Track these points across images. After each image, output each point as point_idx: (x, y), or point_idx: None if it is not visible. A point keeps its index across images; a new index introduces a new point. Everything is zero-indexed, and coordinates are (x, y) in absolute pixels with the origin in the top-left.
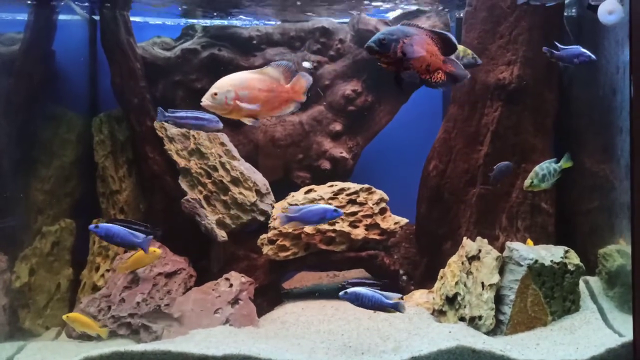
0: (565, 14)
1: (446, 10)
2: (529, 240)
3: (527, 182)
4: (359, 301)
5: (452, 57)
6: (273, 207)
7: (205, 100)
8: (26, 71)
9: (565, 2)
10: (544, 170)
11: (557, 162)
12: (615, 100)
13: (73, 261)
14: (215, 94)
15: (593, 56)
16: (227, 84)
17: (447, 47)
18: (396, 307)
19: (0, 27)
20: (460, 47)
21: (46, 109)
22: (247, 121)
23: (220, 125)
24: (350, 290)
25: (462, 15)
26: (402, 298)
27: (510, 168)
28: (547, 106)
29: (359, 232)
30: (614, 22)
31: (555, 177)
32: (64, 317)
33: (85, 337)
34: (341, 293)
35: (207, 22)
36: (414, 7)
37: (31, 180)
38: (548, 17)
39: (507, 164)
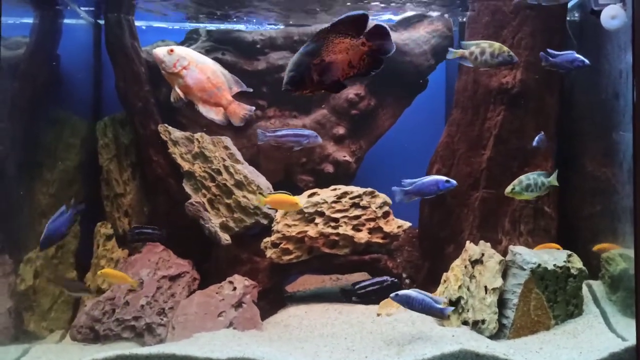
0: (567, 18)
1: (449, 14)
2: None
3: (509, 187)
4: (409, 304)
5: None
6: (276, 211)
7: (158, 51)
8: (31, 75)
9: (568, 6)
10: (530, 180)
11: (547, 176)
12: (618, 104)
13: (77, 264)
14: (172, 51)
15: (586, 61)
16: (188, 54)
17: (357, 27)
18: (442, 312)
19: (5, 31)
20: (496, 44)
21: (50, 113)
22: (216, 117)
23: (319, 140)
24: (402, 292)
25: (465, 19)
26: (447, 303)
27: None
28: (550, 110)
29: (362, 236)
30: (617, 27)
31: (542, 192)
32: (99, 273)
33: (89, 340)
34: (392, 295)
35: (212, 26)
36: (417, 12)
37: (35, 183)
38: (550, 21)
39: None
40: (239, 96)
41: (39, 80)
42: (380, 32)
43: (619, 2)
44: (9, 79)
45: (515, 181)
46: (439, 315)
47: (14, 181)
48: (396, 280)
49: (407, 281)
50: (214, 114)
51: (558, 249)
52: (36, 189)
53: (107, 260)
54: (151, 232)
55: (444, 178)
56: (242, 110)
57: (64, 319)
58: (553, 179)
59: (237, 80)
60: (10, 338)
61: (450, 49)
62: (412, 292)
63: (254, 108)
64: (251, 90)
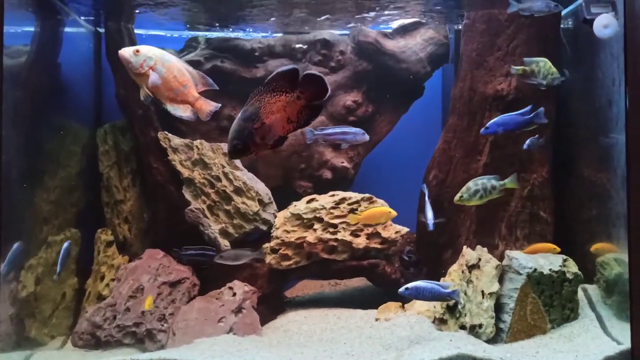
0: (561, 26)
1: (445, 22)
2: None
3: (457, 195)
4: (419, 294)
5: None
6: (275, 217)
7: (125, 52)
8: (32, 83)
9: (562, 14)
10: (478, 186)
11: (499, 179)
12: (611, 111)
13: (78, 270)
14: (138, 51)
15: (560, 6)
16: (153, 53)
17: (290, 81)
18: (452, 296)
19: (6, 40)
20: (547, 64)
21: (52, 121)
22: (184, 114)
23: (367, 137)
24: (411, 285)
25: (460, 27)
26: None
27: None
28: (545, 117)
29: (361, 241)
30: (609, 36)
31: (494, 195)
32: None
33: (90, 346)
34: (401, 289)
35: (212, 34)
36: (413, 20)
37: (37, 190)
38: (545, 29)
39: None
40: (238, 100)
41: (40, 89)
42: (313, 80)
43: (611, 11)
44: (11, 87)
45: (463, 188)
46: (450, 299)
47: (15, 188)
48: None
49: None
50: (181, 112)
51: (554, 248)
52: (37, 196)
53: (108, 267)
54: (203, 254)
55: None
56: (208, 106)
57: (65, 325)
58: (510, 182)
59: (203, 76)
60: (12, 345)
61: (513, 67)
62: (421, 283)
63: (219, 105)
64: (217, 88)
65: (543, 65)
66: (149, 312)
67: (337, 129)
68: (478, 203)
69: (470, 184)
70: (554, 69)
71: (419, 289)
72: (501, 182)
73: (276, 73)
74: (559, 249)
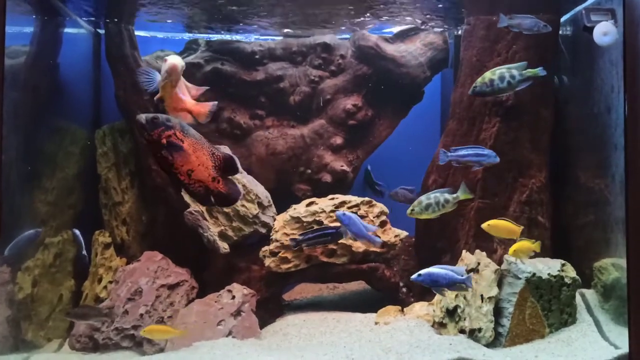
0: (560, 33)
1: (445, 27)
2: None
3: (409, 209)
4: (433, 281)
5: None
6: (275, 220)
7: (173, 60)
8: (31, 84)
9: (561, 21)
10: (431, 199)
11: (452, 192)
12: (610, 118)
13: (75, 273)
14: (176, 69)
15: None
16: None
17: (227, 168)
18: (466, 282)
19: (6, 40)
20: (497, 70)
21: (50, 122)
22: (185, 121)
23: (497, 159)
24: (424, 271)
25: (460, 32)
26: (469, 271)
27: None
28: (544, 123)
29: (360, 245)
30: (609, 43)
31: (448, 208)
32: (142, 332)
33: (88, 349)
34: (414, 276)
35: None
36: (413, 25)
37: (35, 191)
38: (544, 36)
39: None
40: (237, 103)
41: (39, 90)
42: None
43: (611, 19)
44: (9, 88)
45: (415, 202)
46: (464, 286)
47: (13, 189)
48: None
49: (404, 290)
50: (182, 119)
51: (534, 242)
52: (35, 197)
53: (106, 269)
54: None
55: None
56: (205, 108)
57: (62, 327)
58: (463, 193)
59: (195, 87)
60: (9, 348)
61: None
62: (434, 270)
63: (216, 103)
64: (208, 87)
65: (499, 72)
66: (148, 315)
67: (470, 151)
68: (431, 216)
69: (423, 197)
70: (513, 71)
71: (433, 275)
72: (454, 195)
73: (227, 154)
74: (537, 243)
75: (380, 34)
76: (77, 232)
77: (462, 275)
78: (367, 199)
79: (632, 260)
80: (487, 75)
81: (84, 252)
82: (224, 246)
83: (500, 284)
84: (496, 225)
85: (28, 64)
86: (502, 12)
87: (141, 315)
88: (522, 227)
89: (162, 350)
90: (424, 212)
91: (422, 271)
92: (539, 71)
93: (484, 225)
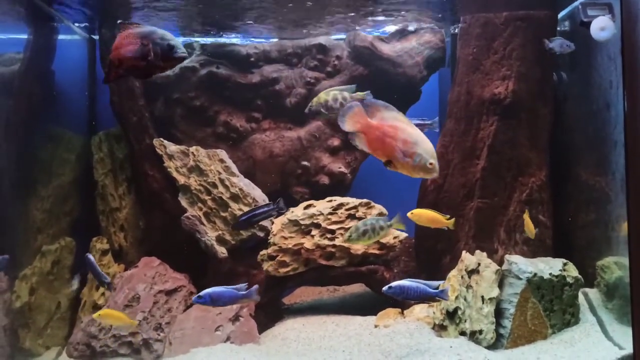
0: (558, 29)
1: (441, 26)
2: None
3: (346, 235)
4: (404, 294)
5: None
6: (272, 223)
7: None
8: (25, 91)
9: (558, 17)
10: (367, 226)
11: (387, 220)
12: (609, 114)
13: (73, 280)
14: None
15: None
16: None
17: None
18: (441, 295)
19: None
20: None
21: (45, 129)
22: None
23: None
24: (395, 284)
25: (456, 31)
26: (443, 285)
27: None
28: (542, 121)
29: (359, 247)
30: (606, 38)
31: (381, 235)
32: (95, 315)
33: (86, 357)
34: (385, 288)
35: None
36: (409, 23)
37: (30, 199)
38: (541, 32)
39: None
40: (233, 106)
41: (34, 97)
42: None
43: (608, 14)
44: (4, 95)
45: (352, 228)
46: (438, 299)
47: (8, 197)
48: (280, 208)
49: None
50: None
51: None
52: (31, 205)
53: None
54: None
55: None
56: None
57: (60, 335)
58: (396, 222)
59: None
60: (6, 356)
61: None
62: (405, 282)
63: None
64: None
65: (332, 93)
66: (145, 322)
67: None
68: (366, 243)
69: (360, 224)
70: (345, 94)
71: (403, 288)
72: (388, 223)
73: None
74: (447, 217)
75: (376, 33)
76: (92, 258)
77: (435, 289)
78: (365, 200)
79: (634, 259)
80: (322, 96)
81: (108, 279)
82: (221, 250)
83: (501, 285)
84: (420, 215)
85: (22, 71)
86: (498, 9)
87: (139, 321)
88: (448, 217)
89: (159, 357)
90: (361, 239)
91: (393, 283)
92: (366, 94)
93: (409, 214)
